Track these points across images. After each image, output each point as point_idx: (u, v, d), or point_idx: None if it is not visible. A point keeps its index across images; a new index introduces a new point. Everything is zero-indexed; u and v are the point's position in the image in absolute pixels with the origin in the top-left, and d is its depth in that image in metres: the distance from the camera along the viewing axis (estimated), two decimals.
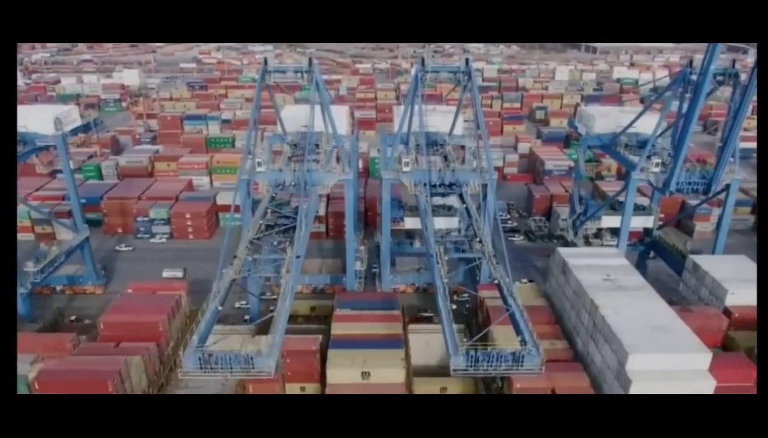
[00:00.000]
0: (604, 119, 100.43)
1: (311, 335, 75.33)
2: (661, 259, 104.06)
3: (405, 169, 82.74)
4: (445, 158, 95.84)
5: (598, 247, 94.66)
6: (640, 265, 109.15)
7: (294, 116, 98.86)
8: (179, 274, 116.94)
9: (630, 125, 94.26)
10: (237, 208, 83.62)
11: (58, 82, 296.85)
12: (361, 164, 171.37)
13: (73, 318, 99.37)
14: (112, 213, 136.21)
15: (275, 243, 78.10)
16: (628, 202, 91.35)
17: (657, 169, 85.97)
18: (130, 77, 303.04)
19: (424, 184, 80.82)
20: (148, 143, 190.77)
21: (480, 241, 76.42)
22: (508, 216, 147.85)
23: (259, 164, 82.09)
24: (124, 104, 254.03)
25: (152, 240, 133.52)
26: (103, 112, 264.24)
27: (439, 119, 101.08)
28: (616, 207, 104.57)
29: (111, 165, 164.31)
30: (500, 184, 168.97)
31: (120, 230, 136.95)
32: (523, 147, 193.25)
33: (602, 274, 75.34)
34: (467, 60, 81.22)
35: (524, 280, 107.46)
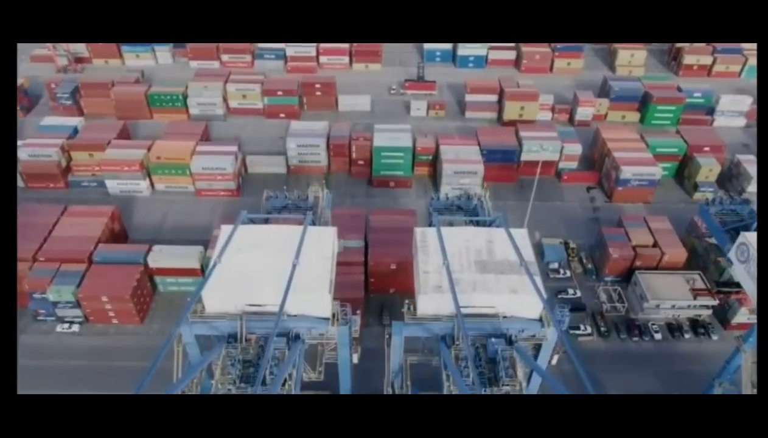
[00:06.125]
0: None
1: None
2: None
3: None
4: None
5: None
6: None
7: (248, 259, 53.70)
8: None
9: None
10: None
11: None
12: (356, 154, 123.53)
13: None
14: None
15: None
16: None
17: None
18: None
19: None
20: (67, 99, 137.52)
21: None
22: (566, 272, 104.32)
23: None
24: None
25: (60, 328, 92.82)
26: None
27: (492, 295, 54.81)
28: None
29: None
30: (551, 185, 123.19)
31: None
32: (584, 112, 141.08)
33: None
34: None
35: None
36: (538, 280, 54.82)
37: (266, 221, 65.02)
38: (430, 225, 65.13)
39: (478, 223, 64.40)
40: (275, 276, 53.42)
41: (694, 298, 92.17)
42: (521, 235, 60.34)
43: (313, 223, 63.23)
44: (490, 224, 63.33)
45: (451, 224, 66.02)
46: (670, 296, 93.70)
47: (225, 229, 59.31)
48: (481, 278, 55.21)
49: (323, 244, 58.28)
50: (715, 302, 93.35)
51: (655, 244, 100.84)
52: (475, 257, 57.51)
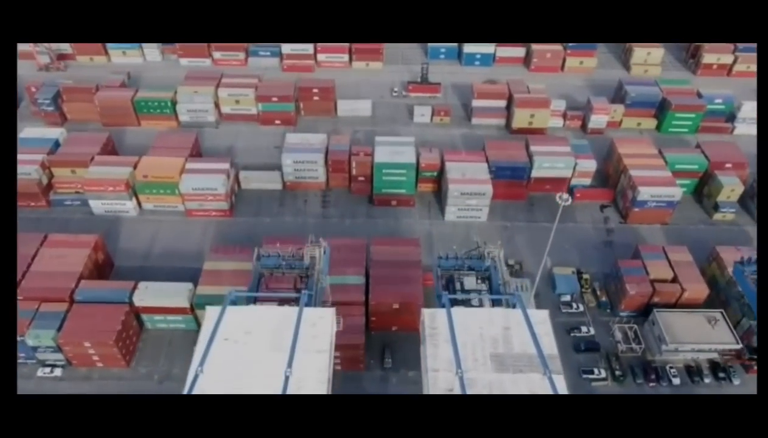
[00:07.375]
0: None
1: None
2: None
3: None
4: None
5: None
6: None
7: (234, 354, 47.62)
8: None
9: None
10: None
11: None
12: (356, 170, 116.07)
13: None
14: None
15: None
16: None
17: None
18: None
19: None
20: (49, 105, 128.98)
21: None
22: (579, 306, 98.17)
23: None
24: None
25: (41, 372, 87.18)
26: None
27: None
28: None
29: None
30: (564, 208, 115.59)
31: None
32: (598, 120, 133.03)
33: None
34: None
35: None
36: (560, 379, 49.04)
37: (255, 300, 58.55)
38: (439, 298, 58.88)
39: (493, 303, 58.03)
40: (266, 377, 47.62)
41: (725, 368, 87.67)
42: (541, 318, 54.18)
43: (310, 298, 56.98)
44: (505, 301, 56.96)
45: (464, 295, 59.76)
46: (691, 339, 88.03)
47: (211, 313, 52.98)
48: (497, 378, 49.23)
49: (320, 333, 52.01)
50: (739, 346, 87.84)
51: (675, 279, 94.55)
52: (490, 349, 51.45)
